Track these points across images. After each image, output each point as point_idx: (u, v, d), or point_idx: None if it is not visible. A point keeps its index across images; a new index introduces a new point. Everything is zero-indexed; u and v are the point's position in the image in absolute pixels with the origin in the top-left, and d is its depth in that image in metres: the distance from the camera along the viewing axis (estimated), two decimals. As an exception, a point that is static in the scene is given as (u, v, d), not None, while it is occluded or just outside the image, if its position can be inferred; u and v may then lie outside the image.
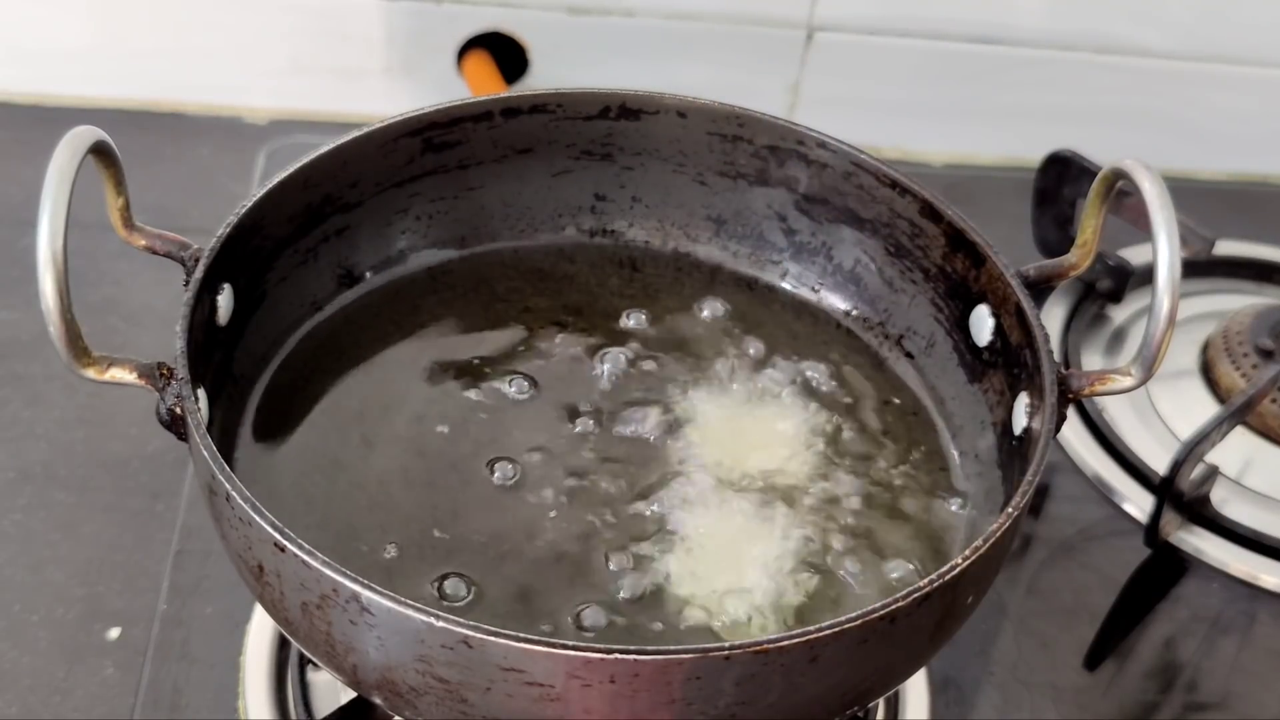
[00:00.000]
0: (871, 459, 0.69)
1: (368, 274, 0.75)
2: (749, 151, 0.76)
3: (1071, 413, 0.93)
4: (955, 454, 0.69)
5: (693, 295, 0.76)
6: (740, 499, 0.65)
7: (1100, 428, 0.94)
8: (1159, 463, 0.87)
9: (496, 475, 0.65)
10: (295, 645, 0.69)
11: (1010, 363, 0.66)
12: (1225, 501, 0.90)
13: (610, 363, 0.72)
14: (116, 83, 1.12)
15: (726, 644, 0.49)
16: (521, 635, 0.49)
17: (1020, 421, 0.64)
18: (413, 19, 1.11)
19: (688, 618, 0.60)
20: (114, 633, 0.76)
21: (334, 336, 0.72)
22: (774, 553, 0.63)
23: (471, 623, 0.49)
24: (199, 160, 1.10)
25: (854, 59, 1.15)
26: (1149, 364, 0.59)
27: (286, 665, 0.74)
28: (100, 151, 0.57)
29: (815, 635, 0.50)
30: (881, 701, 0.75)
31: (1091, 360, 1.00)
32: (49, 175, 0.53)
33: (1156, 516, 0.85)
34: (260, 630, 0.75)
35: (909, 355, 0.74)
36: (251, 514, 0.52)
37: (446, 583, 0.60)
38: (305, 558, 0.51)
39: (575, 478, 0.65)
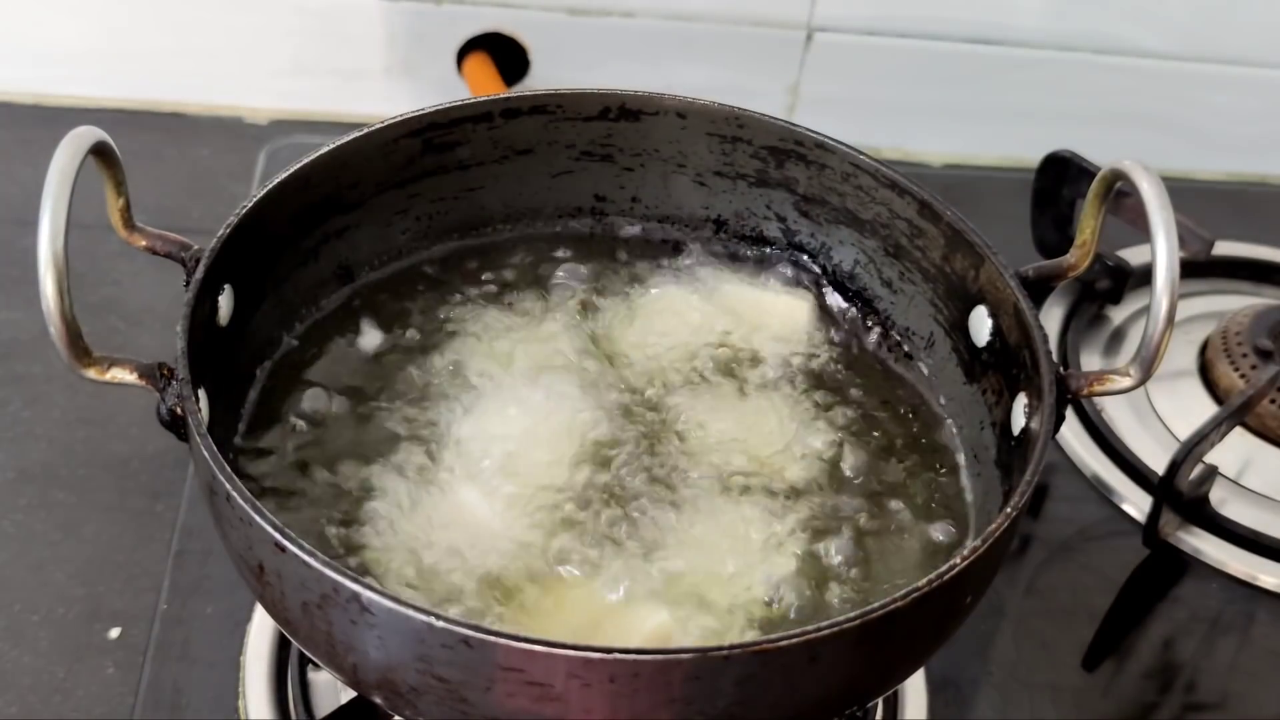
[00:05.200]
0: (870, 458, 0.69)
1: (368, 272, 0.75)
2: (748, 152, 0.76)
3: (1070, 413, 0.93)
4: (954, 453, 0.70)
5: (692, 294, 0.76)
6: (736, 494, 0.65)
7: (1099, 428, 0.94)
8: (1158, 463, 0.87)
9: (490, 463, 0.65)
10: (296, 645, 0.69)
11: (1009, 363, 0.66)
12: (1224, 502, 0.90)
13: (608, 359, 0.72)
14: (117, 83, 1.12)
15: (726, 644, 0.49)
16: (521, 635, 0.49)
17: (1019, 422, 0.64)
18: (413, 20, 1.11)
19: (685, 606, 0.60)
20: (114, 632, 0.76)
21: (334, 334, 0.72)
22: (769, 549, 0.63)
23: (471, 622, 0.49)
24: (199, 160, 1.10)
25: (853, 59, 1.15)
26: (1148, 364, 0.59)
27: (287, 665, 0.74)
28: (101, 152, 0.57)
29: (814, 635, 0.50)
30: (880, 701, 0.75)
31: (1090, 360, 1.00)
32: (50, 175, 0.53)
33: (1155, 516, 0.85)
34: (260, 630, 0.75)
35: (908, 355, 0.74)
36: (252, 514, 0.52)
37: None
38: (306, 557, 0.51)
39: (572, 463, 0.66)
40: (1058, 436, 0.72)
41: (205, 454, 0.54)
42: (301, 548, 0.51)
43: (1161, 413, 0.96)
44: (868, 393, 0.72)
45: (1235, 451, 0.92)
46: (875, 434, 0.70)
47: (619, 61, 1.14)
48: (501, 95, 0.74)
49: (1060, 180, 1.02)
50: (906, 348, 0.74)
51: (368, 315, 0.73)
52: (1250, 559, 0.87)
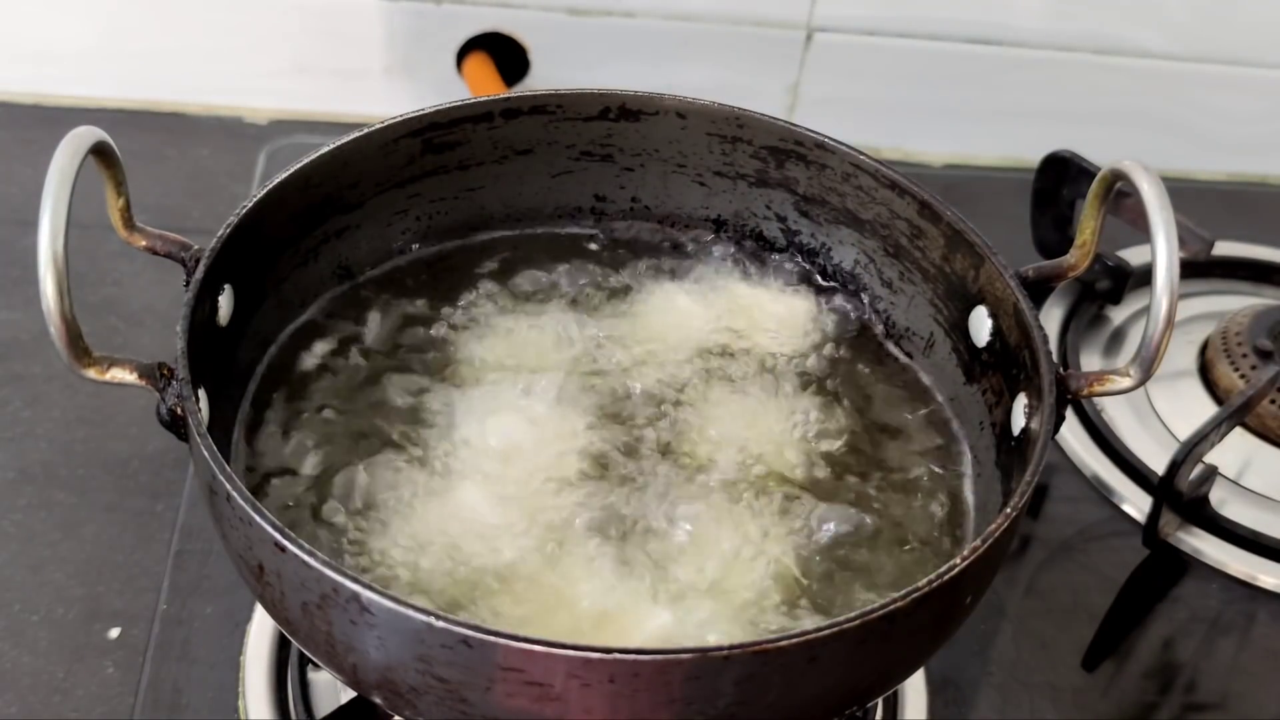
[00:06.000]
0: (869, 458, 0.69)
1: (368, 272, 0.75)
2: (748, 152, 0.76)
3: (1070, 413, 0.93)
4: (954, 454, 0.70)
5: (692, 294, 0.76)
6: (736, 493, 0.65)
7: (1099, 428, 0.94)
8: (1158, 463, 0.87)
9: (490, 463, 0.65)
10: (295, 645, 0.69)
11: (1009, 363, 0.66)
12: (1224, 502, 0.90)
13: (608, 359, 0.72)
14: (117, 83, 1.12)
15: (726, 644, 0.49)
16: (521, 635, 0.49)
17: (1019, 422, 0.64)
18: (413, 20, 1.11)
19: (686, 605, 0.60)
20: (114, 632, 0.76)
21: (334, 334, 0.72)
22: (770, 548, 0.63)
23: (471, 622, 0.49)
24: (199, 160, 1.10)
25: (853, 59, 1.15)
26: (1148, 365, 0.59)
27: (287, 665, 0.74)
28: (101, 152, 0.57)
29: (814, 636, 0.50)
30: (880, 701, 0.75)
31: (1090, 361, 1.00)
32: (50, 175, 0.53)
33: (1155, 517, 0.85)
34: (260, 630, 0.75)
35: (908, 355, 0.74)
36: (252, 514, 0.52)
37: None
38: (305, 558, 0.51)
39: (572, 463, 0.66)
40: (1058, 437, 0.72)
41: (205, 454, 0.54)
42: (301, 548, 0.51)
43: (1161, 413, 0.96)
44: (867, 393, 0.72)
45: (1235, 451, 0.92)
46: (875, 434, 0.70)
47: (619, 61, 1.14)
48: (501, 95, 0.74)
49: (1060, 180, 1.02)
50: (906, 348, 0.74)
51: (367, 316, 0.73)
52: (1250, 559, 0.87)
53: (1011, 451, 0.65)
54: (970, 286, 0.69)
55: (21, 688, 0.73)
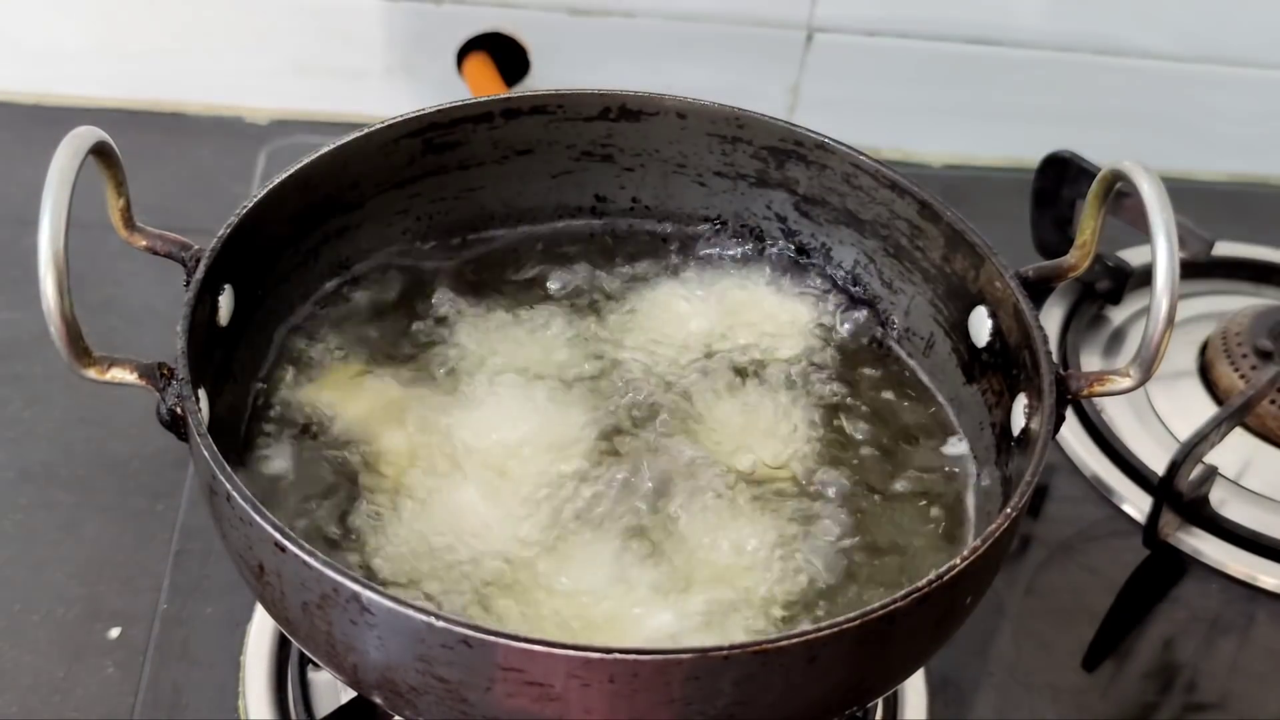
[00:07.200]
0: (869, 458, 0.69)
1: (368, 272, 0.75)
2: (748, 153, 0.76)
3: (1070, 413, 0.93)
4: (954, 454, 0.70)
5: (692, 295, 0.76)
6: (737, 494, 0.65)
7: (1099, 428, 0.94)
8: (1158, 463, 0.87)
9: (492, 464, 0.65)
10: (296, 645, 0.69)
11: (1009, 364, 0.66)
12: (1224, 502, 0.90)
13: (609, 360, 0.72)
14: (117, 83, 1.12)
15: (726, 644, 0.49)
16: (521, 635, 0.49)
17: (1019, 422, 0.64)
18: (413, 20, 1.11)
19: (686, 606, 0.60)
20: (114, 632, 0.76)
21: (334, 334, 0.72)
22: (770, 549, 0.63)
23: (471, 622, 0.49)
24: (200, 160, 1.10)
25: (854, 60, 1.15)
26: (1148, 365, 0.59)
27: (287, 665, 0.74)
28: (101, 152, 0.57)
29: (814, 635, 0.50)
30: (880, 701, 0.75)
31: (1090, 361, 1.00)
32: (50, 175, 0.53)
33: (1155, 517, 0.85)
34: (260, 630, 0.75)
35: (908, 355, 0.74)
36: (252, 514, 0.52)
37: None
38: (306, 558, 0.51)
39: (572, 463, 0.66)
40: (1058, 437, 0.72)
41: (206, 454, 0.54)
42: (301, 548, 0.51)
43: (1161, 413, 0.96)
44: (867, 393, 0.72)
45: (1235, 452, 0.92)
46: (875, 434, 0.70)
47: (619, 61, 1.14)
48: (501, 95, 0.74)
49: (1060, 180, 1.02)
50: (906, 348, 0.74)
51: (367, 316, 0.73)
52: (1250, 559, 0.87)
53: (1011, 451, 0.65)
54: (970, 286, 0.69)
55: (21, 688, 0.73)
